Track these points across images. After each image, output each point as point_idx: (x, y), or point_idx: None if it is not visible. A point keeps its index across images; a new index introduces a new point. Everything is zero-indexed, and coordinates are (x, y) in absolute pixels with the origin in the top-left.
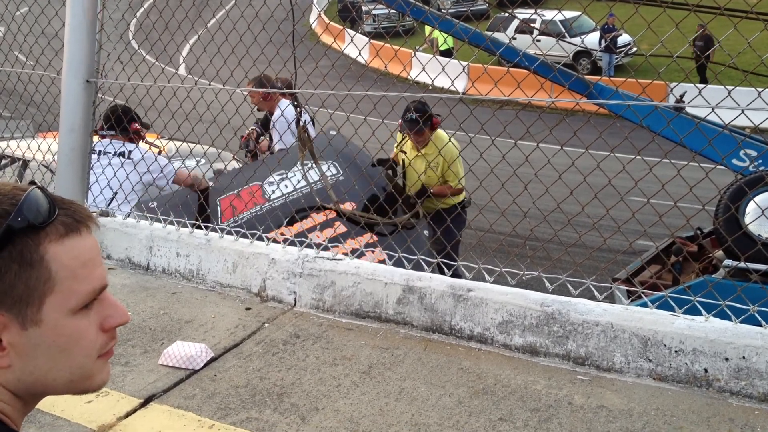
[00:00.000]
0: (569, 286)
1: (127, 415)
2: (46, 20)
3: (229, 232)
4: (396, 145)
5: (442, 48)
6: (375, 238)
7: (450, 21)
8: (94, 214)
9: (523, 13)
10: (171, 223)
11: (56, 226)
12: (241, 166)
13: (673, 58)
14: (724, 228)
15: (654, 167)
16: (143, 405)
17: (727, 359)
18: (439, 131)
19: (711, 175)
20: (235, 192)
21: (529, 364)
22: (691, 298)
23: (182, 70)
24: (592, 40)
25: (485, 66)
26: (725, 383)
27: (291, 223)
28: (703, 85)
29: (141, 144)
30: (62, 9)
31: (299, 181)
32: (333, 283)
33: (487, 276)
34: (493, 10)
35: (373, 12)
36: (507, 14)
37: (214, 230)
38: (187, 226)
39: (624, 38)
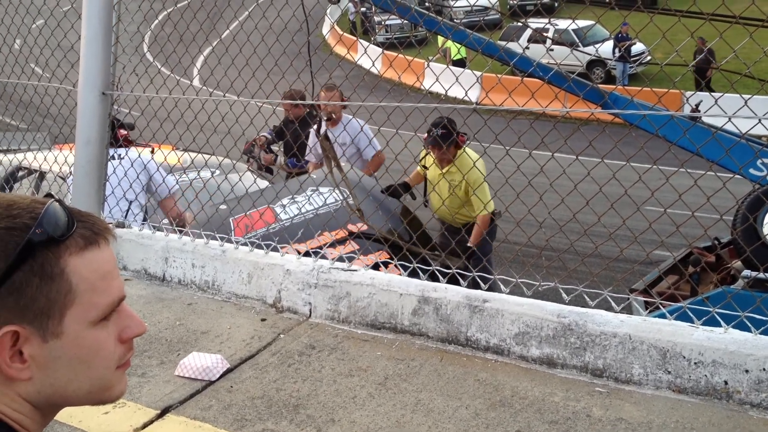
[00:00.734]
0: (586, 297)
1: (144, 426)
2: (62, 33)
3: (244, 244)
4: (419, 161)
5: (455, 58)
6: (387, 255)
7: (463, 31)
8: (110, 224)
9: (536, 23)
10: (186, 234)
11: (75, 239)
12: (252, 182)
13: (689, 67)
14: (742, 238)
15: (671, 177)
16: (160, 416)
17: (747, 371)
18: (468, 151)
19: (728, 185)
20: (247, 213)
21: (546, 375)
22: (710, 309)
23: (196, 82)
24: (606, 49)
25: (499, 76)
26: (745, 395)
27: (305, 239)
28: (720, 94)
29: (132, 148)
30: (78, 22)
31: (311, 204)
32: (348, 293)
33: (502, 286)
34: (506, 20)
35: (386, 23)
36: (520, 24)
37: (229, 241)
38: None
39: (638, 47)
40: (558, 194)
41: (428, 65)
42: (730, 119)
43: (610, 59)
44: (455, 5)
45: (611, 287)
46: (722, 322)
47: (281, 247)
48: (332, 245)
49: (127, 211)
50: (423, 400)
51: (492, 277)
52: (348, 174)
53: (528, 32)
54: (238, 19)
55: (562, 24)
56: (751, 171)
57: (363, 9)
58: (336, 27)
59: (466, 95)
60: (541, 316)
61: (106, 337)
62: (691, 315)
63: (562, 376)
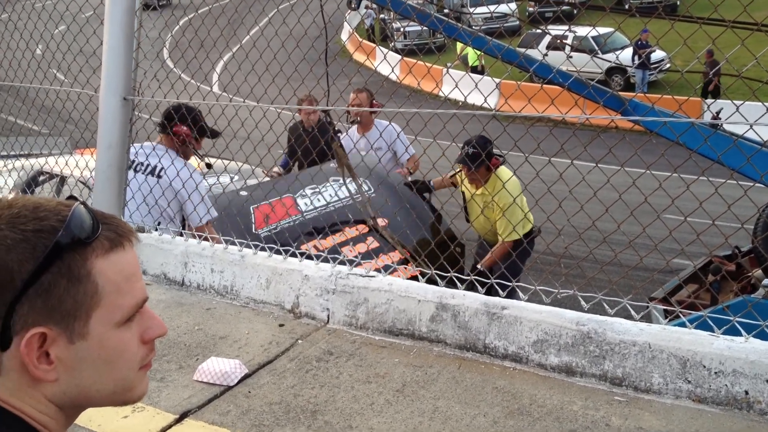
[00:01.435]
0: (605, 305)
1: (163, 430)
2: (84, 38)
3: (263, 249)
4: (451, 174)
5: (474, 64)
6: (408, 253)
7: (483, 38)
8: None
9: (555, 30)
10: (205, 239)
11: (101, 241)
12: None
13: (710, 74)
14: (763, 246)
15: (691, 185)
16: (178, 421)
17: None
18: (503, 170)
19: (749, 193)
20: (269, 202)
21: (564, 384)
22: (731, 318)
23: (216, 88)
24: (626, 56)
25: (518, 83)
26: (766, 405)
27: (324, 236)
28: (741, 102)
29: (184, 161)
30: (100, 28)
31: (332, 196)
32: (366, 300)
33: (521, 294)
34: (525, 27)
35: (405, 29)
36: (540, 31)
37: (248, 246)
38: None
39: (657, 54)
40: (577, 201)
41: (447, 72)
42: (751, 126)
43: (630, 66)
44: (474, 12)
45: (630, 295)
46: (743, 332)
47: (303, 244)
48: (353, 243)
49: (158, 222)
50: (441, 408)
51: (511, 284)
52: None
53: (547, 39)
54: (258, 24)
55: (582, 31)
56: None
57: (382, 16)
58: (355, 34)
59: (486, 102)
60: (560, 324)
61: (130, 338)
62: (712, 324)
63: (581, 385)
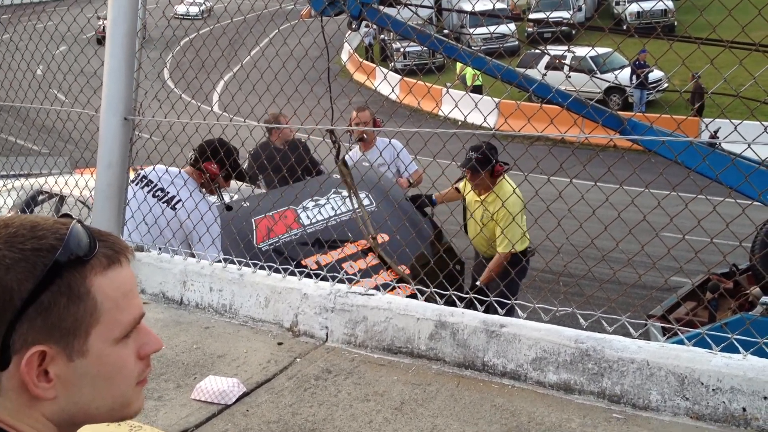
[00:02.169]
0: (603, 323)
1: None
2: (85, 59)
3: (262, 267)
4: (456, 181)
5: (474, 84)
6: (408, 271)
7: (482, 58)
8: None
9: (554, 50)
10: (203, 258)
11: (99, 258)
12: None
13: (708, 93)
14: (761, 264)
15: (689, 203)
16: None
17: (765, 398)
18: (506, 182)
19: (747, 211)
20: (270, 214)
21: (563, 401)
22: (729, 336)
23: (216, 108)
24: (624, 76)
25: (518, 102)
26: (764, 422)
27: (325, 252)
28: (739, 121)
29: (202, 195)
30: (100, 48)
31: (333, 209)
32: (365, 318)
33: (520, 312)
34: (524, 47)
35: (405, 50)
36: (539, 51)
37: (247, 265)
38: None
39: (655, 74)
40: (576, 220)
41: (447, 91)
42: (749, 146)
43: (628, 86)
44: (474, 32)
45: (629, 313)
46: (741, 349)
47: (306, 258)
48: (354, 259)
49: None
50: (439, 426)
51: (510, 302)
52: (378, 186)
53: (546, 59)
54: (259, 45)
55: (580, 51)
56: None
57: (383, 36)
58: (355, 54)
59: (485, 121)
60: (559, 342)
61: (128, 354)
62: (710, 341)
63: (579, 402)
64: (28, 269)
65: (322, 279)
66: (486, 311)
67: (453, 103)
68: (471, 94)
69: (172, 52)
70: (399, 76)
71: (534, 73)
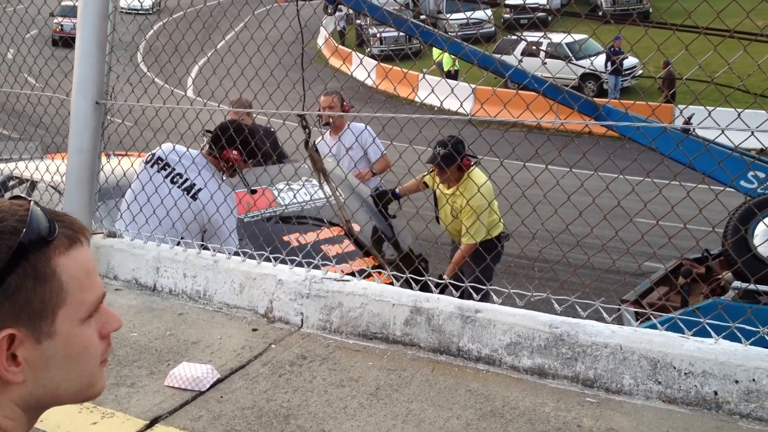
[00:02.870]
0: (578, 308)
1: None
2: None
3: (236, 253)
4: (423, 176)
5: (447, 68)
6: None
7: (459, 44)
8: (101, 233)
9: (530, 36)
10: (178, 244)
11: (60, 238)
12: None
13: (683, 79)
14: (733, 249)
15: (663, 189)
16: (149, 427)
17: (737, 381)
18: (477, 174)
19: (720, 197)
20: (247, 190)
21: (537, 386)
22: (701, 320)
23: (190, 92)
24: (598, 62)
25: (494, 88)
26: (735, 406)
27: (306, 231)
28: (713, 107)
29: (220, 182)
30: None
31: (309, 195)
32: (340, 304)
33: (495, 297)
34: (501, 33)
35: (382, 35)
36: (515, 37)
37: (221, 252)
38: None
39: (630, 61)
40: (551, 205)
41: (423, 77)
42: (723, 132)
43: (604, 72)
44: (451, 18)
45: (603, 298)
46: (713, 333)
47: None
48: (332, 243)
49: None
50: (414, 411)
51: (485, 287)
52: (345, 181)
53: (522, 45)
54: (234, 29)
55: (556, 38)
56: (743, 183)
57: (359, 21)
58: (331, 39)
59: (462, 107)
60: (533, 327)
61: (92, 333)
62: (682, 326)
63: (553, 387)
64: None
65: (297, 265)
66: (461, 297)
67: (429, 89)
68: (447, 80)
69: (144, 36)
70: (375, 62)
71: (510, 59)
